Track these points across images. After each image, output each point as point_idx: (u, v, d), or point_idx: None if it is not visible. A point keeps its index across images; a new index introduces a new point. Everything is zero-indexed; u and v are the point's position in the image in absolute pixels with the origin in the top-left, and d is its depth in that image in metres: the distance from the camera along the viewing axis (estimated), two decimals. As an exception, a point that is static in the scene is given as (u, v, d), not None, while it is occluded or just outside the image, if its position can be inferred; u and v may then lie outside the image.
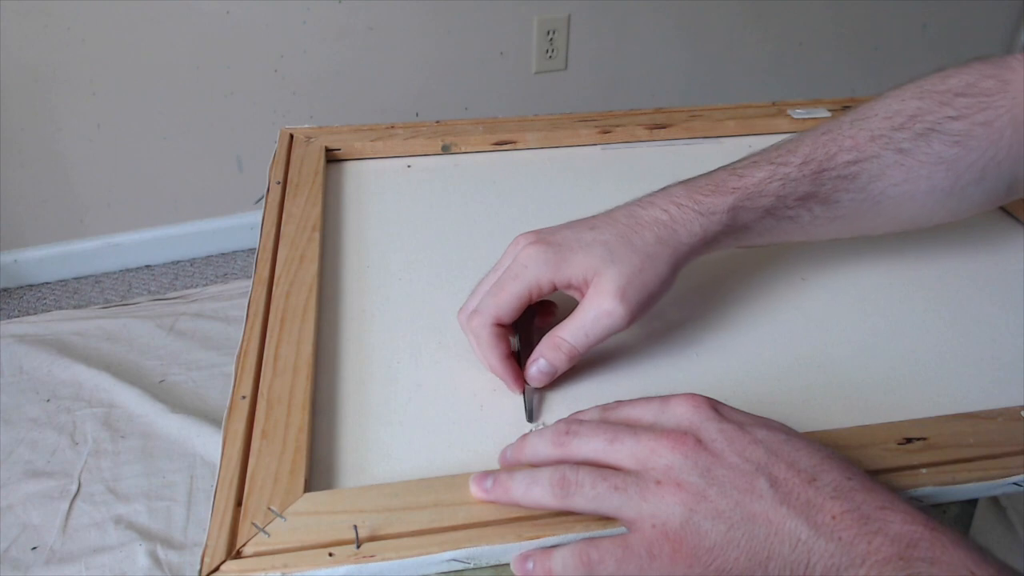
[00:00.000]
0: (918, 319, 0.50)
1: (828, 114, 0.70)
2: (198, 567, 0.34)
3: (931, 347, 0.48)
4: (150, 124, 1.51)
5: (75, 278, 1.62)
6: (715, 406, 0.36)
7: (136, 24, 1.40)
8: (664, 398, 0.37)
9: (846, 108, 0.71)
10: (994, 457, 0.39)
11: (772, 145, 0.48)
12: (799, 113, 0.70)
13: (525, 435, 0.38)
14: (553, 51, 1.65)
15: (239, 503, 0.36)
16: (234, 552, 0.34)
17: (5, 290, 1.58)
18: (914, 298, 0.51)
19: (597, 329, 0.42)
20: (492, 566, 0.36)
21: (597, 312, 0.42)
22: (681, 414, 0.35)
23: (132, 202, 1.59)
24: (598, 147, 0.68)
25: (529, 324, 0.46)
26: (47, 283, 1.61)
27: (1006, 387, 0.44)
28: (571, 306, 0.44)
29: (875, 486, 0.32)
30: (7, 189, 1.50)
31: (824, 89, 1.86)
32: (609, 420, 0.37)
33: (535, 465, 0.37)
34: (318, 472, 0.39)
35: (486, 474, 0.37)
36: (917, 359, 0.47)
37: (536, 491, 0.35)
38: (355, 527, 0.35)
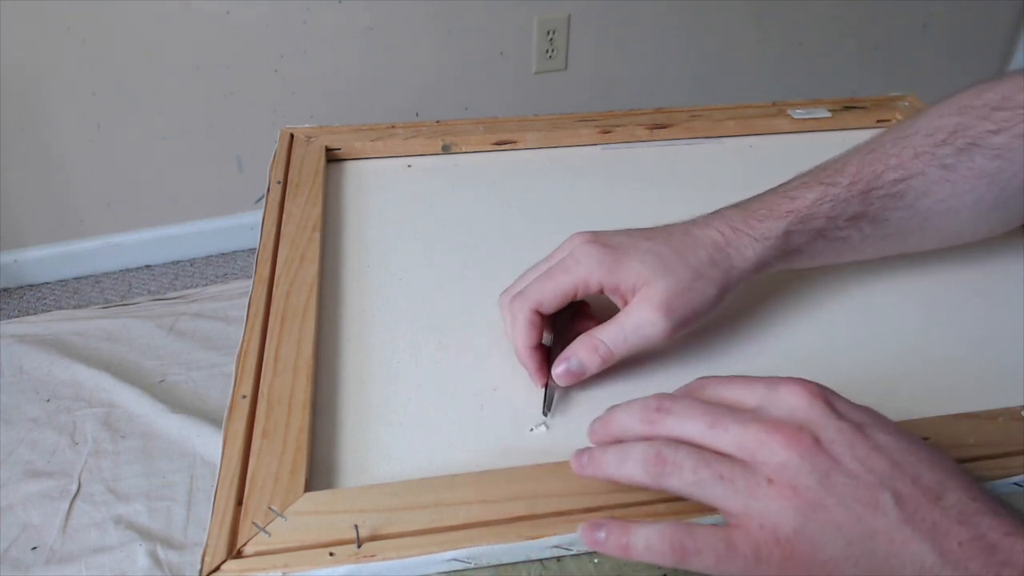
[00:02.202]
0: (918, 319, 0.50)
1: (828, 114, 0.70)
2: (198, 567, 0.34)
3: (931, 347, 0.48)
4: (150, 124, 1.51)
5: (75, 278, 1.62)
6: (829, 398, 0.33)
7: (136, 24, 1.40)
8: (770, 380, 0.34)
9: (846, 108, 0.71)
10: (994, 457, 0.39)
11: (820, 165, 0.48)
12: (799, 113, 0.70)
13: (612, 407, 0.36)
14: (553, 51, 1.65)
15: (239, 503, 0.36)
16: (235, 552, 0.34)
17: (5, 290, 1.58)
18: (914, 298, 0.51)
19: (636, 337, 0.42)
20: (492, 566, 0.36)
21: (639, 320, 0.41)
22: (794, 405, 0.33)
23: (132, 202, 1.59)
24: (598, 147, 0.68)
25: (566, 325, 0.46)
26: (47, 283, 1.61)
27: (1006, 387, 0.44)
28: (611, 314, 0.44)
29: (1000, 508, 0.30)
30: (7, 189, 1.50)
31: (824, 89, 1.86)
32: (703, 398, 0.35)
33: (625, 441, 0.35)
34: (318, 472, 0.39)
35: (583, 450, 0.35)
36: (917, 359, 0.47)
37: (628, 467, 0.33)
38: (356, 527, 0.35)
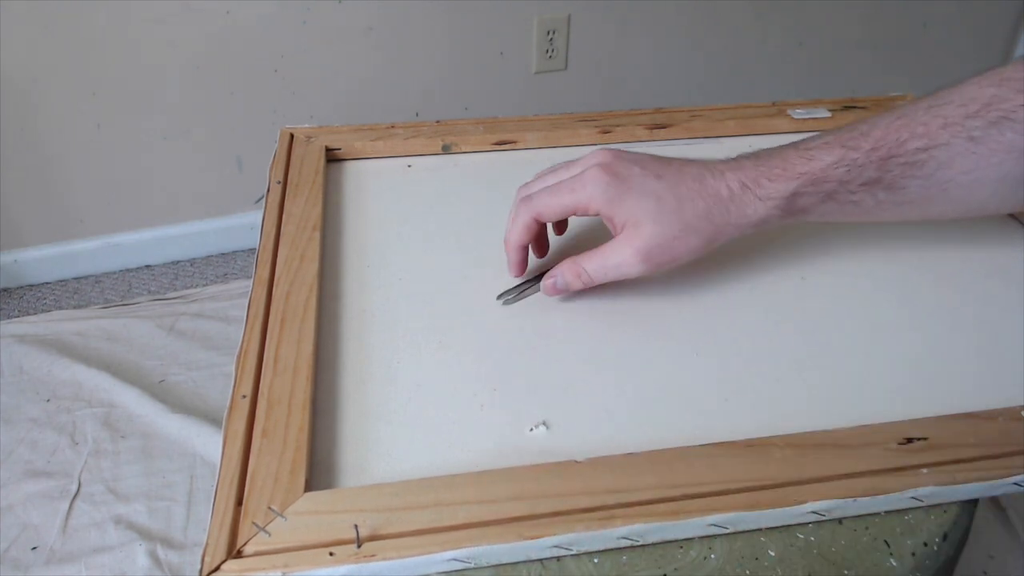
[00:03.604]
0: (918, 319, 0.50)
1: (828, 114, 0.70)
2: (198, 567, 0.34)
3: (931, 347, 0.48)
4: (150, 124, 1.51)
5: (75, 278, 1.62)
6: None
7: (136, 24, 1.40)
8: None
9: (846, 108, 0.71)
10: (994, 457, 0.39)
11: (849, 125, 0.49)
12: (799, 113, 0.70)
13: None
14: (553, 51, 1.65)
15: (239, 503, 0.36)
16: (234, 552, 0.34)
17: (5, 290, 1.58)
18: (914, 298, 0.51)
19: (614, 273, 0.48)
20: (492, 566, 0.36)
21: (619, 260, 0.47)
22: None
23: (132, 202, 1.59)
24: (598, 147, 0.68)
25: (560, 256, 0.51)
26: (47, 283, 1.61)
27: (1006, 387, 0.44)
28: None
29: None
30: (7, 189, 1.50)
31: (824, 89, 1.86)
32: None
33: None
34: (318, 472, 0.39)
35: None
36: (917, 359, 0.47)
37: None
38: (356, 526, 0.35)
